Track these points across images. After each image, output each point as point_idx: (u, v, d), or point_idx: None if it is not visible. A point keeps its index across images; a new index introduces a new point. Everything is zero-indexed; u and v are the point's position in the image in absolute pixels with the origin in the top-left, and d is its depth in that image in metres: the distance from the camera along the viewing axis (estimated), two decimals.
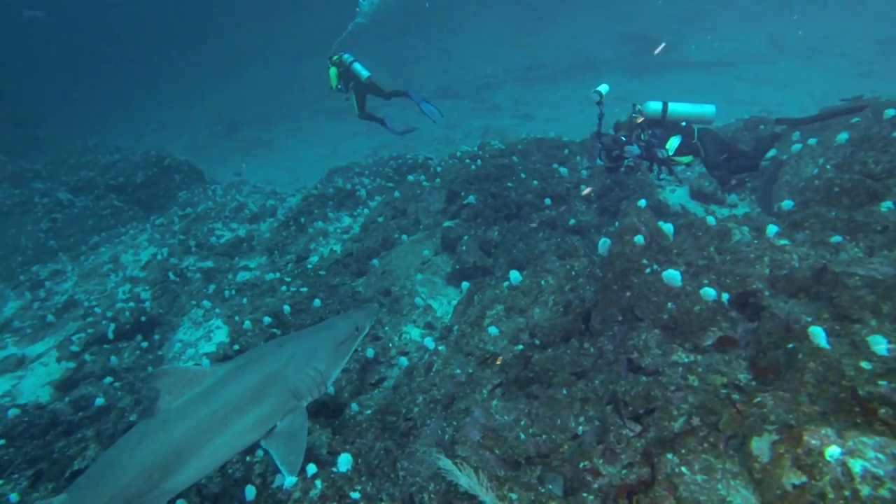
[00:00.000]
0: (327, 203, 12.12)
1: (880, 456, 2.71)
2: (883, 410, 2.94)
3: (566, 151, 11.42)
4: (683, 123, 6.58)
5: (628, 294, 4.81)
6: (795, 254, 4.71)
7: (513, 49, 34.69)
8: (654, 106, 6.52)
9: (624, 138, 6.63)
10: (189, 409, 3.24)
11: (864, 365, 3.19)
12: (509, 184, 9.29)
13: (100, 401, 7.47)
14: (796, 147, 6.94)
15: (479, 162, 10.39)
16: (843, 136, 6.12)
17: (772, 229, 5.07)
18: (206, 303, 9.76)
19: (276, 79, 36.93)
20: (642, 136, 6.52)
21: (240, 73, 39.25)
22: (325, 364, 3.67)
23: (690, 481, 3.06)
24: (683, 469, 3.13)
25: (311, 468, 4.39)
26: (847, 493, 2.65)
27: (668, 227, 5.18)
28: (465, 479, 3.16)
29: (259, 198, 15.09)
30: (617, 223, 6.00)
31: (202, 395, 3.34)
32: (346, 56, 10.48)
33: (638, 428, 3.71)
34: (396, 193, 10.28)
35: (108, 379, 8.06)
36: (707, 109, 6.58)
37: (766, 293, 4.37)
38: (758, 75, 27.79)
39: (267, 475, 5.67)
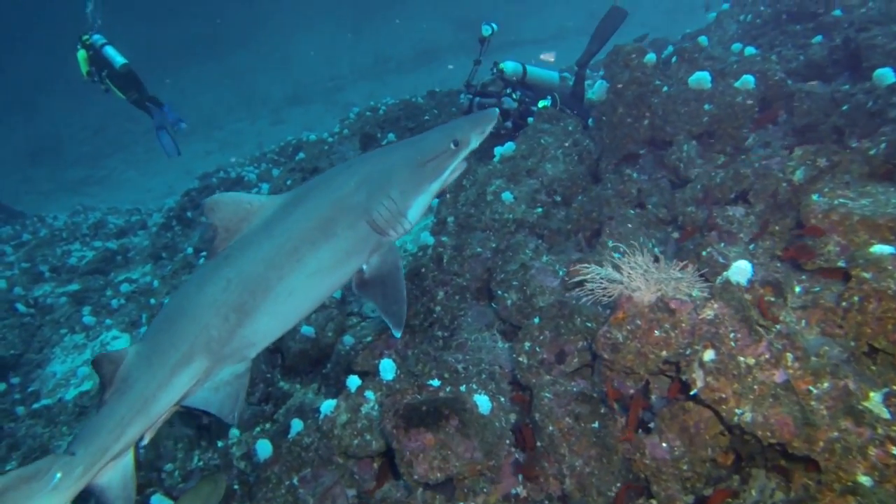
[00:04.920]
0: (215, 193, 10.50)
1: None
2: None
3: (461, 97, 11.04)
4: (548, 98, 6.34)
5: (646, 122, 4.41)
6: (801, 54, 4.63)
7: (354, 49, 34.13)
8: (514, 66, 6.43)
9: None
10: (252, 243, 2.58)
11: None
12: (427, 117, 8.64)
13: None
14: None
15: (383, 108, 9.62)
16: None
17: (749, 50, 4.98)
18: (87, 319, 7.81)
19: (91, 112, 32.37)
20: (514, 95, 6.34)
21: (37, 109, 33.46)
22: (400, 190, 2.60)
23: (859, 206, 2.63)
24: (842, 201, 2.69)
25: (354, 381, 3.35)
26: None
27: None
28: (607, 270, 2.44)
29: (119, 216, 12.81)
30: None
31: (263, 226, 2.60)
32: (95, 37, 8.36)
33: (739, 209, 3.25)
34: (301, 155, 9.12)
35: None
36: (555, 75, 6.75)
37: (789, 82, 4.20)
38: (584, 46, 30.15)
39: (252, 455, 4.43)
